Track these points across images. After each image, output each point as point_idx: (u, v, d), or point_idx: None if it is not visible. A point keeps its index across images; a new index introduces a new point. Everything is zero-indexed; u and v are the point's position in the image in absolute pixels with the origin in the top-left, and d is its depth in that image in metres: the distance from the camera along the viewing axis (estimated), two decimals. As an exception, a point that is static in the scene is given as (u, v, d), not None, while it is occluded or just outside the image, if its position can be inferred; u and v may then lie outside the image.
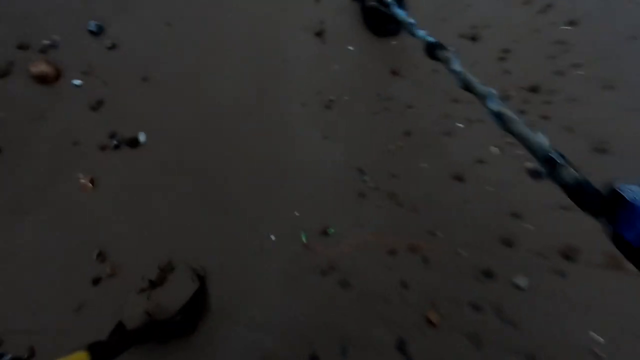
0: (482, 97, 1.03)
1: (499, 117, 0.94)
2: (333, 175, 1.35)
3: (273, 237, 1.27)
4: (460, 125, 1.41)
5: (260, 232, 1.28)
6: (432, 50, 1.24)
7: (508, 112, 0.92)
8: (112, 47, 1.62)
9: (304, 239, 1.20)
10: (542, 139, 0.80)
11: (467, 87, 1.12)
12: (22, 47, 1.55)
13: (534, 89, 1.45)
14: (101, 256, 1.28)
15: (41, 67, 1.51)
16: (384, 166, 1.36)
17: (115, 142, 1.45)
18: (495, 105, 0.98)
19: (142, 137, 1.46)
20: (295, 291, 1.19)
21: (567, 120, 1.40)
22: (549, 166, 0.76)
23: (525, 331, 1.11)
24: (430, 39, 1.25)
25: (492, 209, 1.26)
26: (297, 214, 1.30)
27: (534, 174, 1.31)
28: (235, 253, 1.26)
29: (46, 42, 1.57)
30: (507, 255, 1.20)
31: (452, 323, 1.13)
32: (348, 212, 1.29)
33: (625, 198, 0.59)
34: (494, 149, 1.35)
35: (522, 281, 1.16)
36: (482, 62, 1.50)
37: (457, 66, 1.16)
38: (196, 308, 1.18)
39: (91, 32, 1.60)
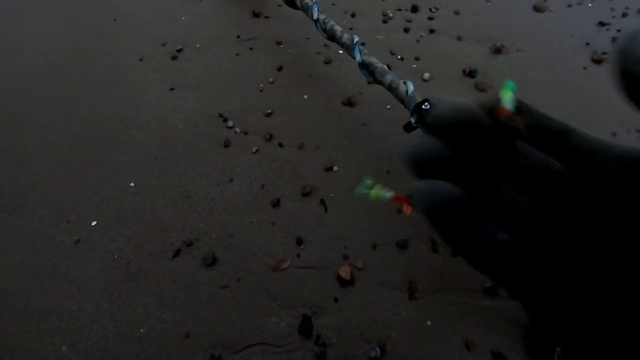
0: (347, 47, 0.88)
1: (366, 67, 0.83)
2: (185, 128, 0.97)
3: (94, 223, 0.82)
4: (342, 51, 1.15)
5: (72, 221, 0.82)
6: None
7: (375, 62, 0.83)
8: None
9: None
10: (410, 87, 0.74)
11: (331, 36, 0.92)
12: None
13: (414, 9, 1.28)
14: None
15: None
16: (253, 107, 1.02)
17: None
18: (362, 56, 0.84)
19: None
20: (125, 310, 0.72)
21: (455, 30, 1.22)
22: (419, 114, 0.70)
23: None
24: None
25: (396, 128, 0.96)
26: (132, 184, 0.87)
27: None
28: (22, 264, 0.77)
29: None
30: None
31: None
32: (211, 167, 0.90)
33: None
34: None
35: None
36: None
37: (317, 14, 0.94)
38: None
39: None
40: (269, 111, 1.00)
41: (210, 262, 0.76)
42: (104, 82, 1.06)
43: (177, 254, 0.77)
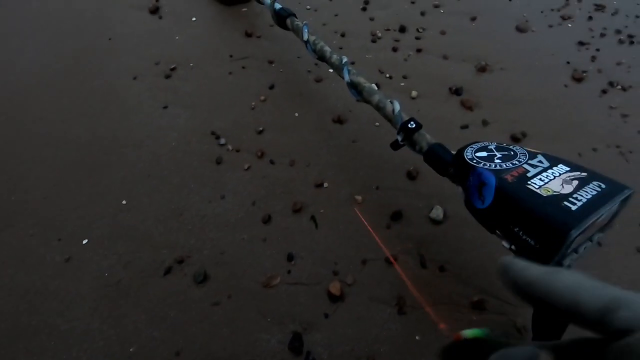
0: (336, 68, 0.90)
1: (354, 87, 0.86)
2: (177, 146, 0.99)
3: (85, 241, 0.82)
4: (332, 70, 1.18)
5: (63, 239, 0.82)
6: (281, 18, 1.07)
7: (363, 82, 0.85)
8: None
9: None
10: (397, 106, 0.77)
11: (321, 57, 0.96)
12: None
13: (402, 29, 1.32)
14: None
15: None
16: (246, 124, 1.04)
17: None
18: (350, 76, 0.86)
19: None
20: (117, 325, 0.72)
21: (442, 49, 1.26)
22: (404, 132, 0.73)
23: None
24: (278, 6, 1.08)
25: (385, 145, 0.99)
26: (124, 202, 0.88)
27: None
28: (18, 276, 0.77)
29: None
30: (416, 189, 0.91)
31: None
32: (203, 184, 0.91)
33: (470, 164, 0.58)
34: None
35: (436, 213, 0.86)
36: (344, 14, 1.37)
37: (307, 35, 0.98)
38: None
39: None
40: (261, 129, 1.02)
41: (202, 279, 0.76)
42: (98, 101, 1.08)
43: (168, 271, 0.77)
